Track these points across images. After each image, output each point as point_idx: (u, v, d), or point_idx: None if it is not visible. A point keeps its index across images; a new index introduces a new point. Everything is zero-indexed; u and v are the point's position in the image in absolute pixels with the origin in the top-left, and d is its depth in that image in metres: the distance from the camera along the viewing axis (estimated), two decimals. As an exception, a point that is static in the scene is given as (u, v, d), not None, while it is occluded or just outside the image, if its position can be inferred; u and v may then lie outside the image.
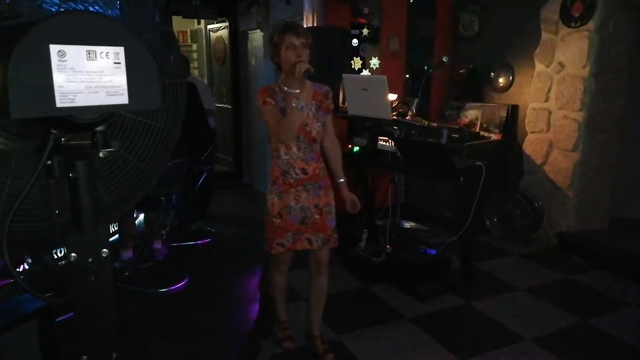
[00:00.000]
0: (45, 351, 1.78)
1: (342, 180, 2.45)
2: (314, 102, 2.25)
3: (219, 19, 6.58)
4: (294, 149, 2.25)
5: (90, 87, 0.92)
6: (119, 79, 0.96)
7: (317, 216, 2.33)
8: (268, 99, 2.20)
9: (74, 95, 0.90)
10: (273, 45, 2.21)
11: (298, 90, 2.18)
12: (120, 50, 0.96)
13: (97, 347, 1.10)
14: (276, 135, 2.21)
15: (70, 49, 0.90)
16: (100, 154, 1.00)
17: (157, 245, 3.88)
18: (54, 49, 0.87)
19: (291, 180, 2.28)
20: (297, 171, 2.27)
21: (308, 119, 2.23)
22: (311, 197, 2.31)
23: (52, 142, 0.96)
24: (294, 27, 2.18)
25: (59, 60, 0.88)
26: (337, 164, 2.45)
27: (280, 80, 2.27)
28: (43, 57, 0.86)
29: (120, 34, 0.97)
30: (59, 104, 0.88)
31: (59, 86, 0.88)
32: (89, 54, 0.92)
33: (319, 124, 2.29)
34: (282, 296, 2.64)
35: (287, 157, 2.26)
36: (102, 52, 0.94)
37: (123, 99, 0.97)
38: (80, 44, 0.91)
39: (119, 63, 0.96)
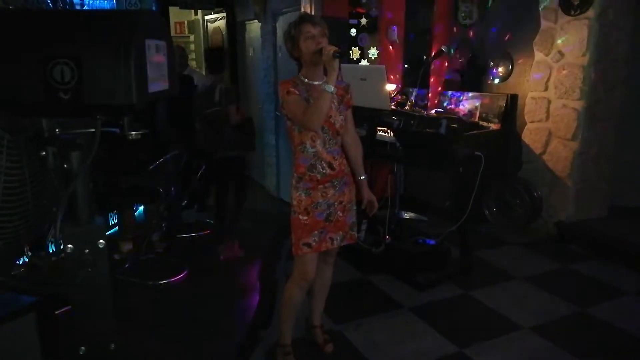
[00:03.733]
0: (45, 343, 1.78)
1: (363, 177, 2.41)
2: (336, 95, 2.20)
3: (216, 9, 6.54)
4: (320, 141, 2.20)
5: (157, 75, 1.02)
6: (165, 69, 1.06)
7: (340, 213, 2.29)
8: (292, 89, 2.14)
9: (151, 82, 0.99)
10: (291, 39, 2.16)
11: (318, 82, 2.15)
12: (165, 44, 1.06)
13: (95, 338, 1.10)
14: (305, 122, 2.12)
15: (150, 43, 1.00)
16: (131, 137, 1.04)
17: (156, 237, 3.88)
18: (147, 43, 0.97)
19: (319, 177, 2.22)
20: (324, 165, 2.21)
21: (331, 111, 2.18)
22: (337, 194, 2.27)
23: (100, 126, 0.98)
24: (309, 17, 2.16)
25: (147, 53, 0.98)
26: (358, 160, 2.41)
27: (301, 74, 2.23)
28: (143, 51, 0.97)
29: (163, 29, 1.07)
30: (150, 90, 0.98)
31: (148, 75, 0.97)
32: (157, 47, 1.02)
33: (341, 117, 2.25)
34: (294, 315, 2.45)
35: (314, 149, 2.20)
36: (159, 46, 1.03)
37: (166, 85, 1.07)
38: (151, 38, 1.00)
39: (165, 55, 1.06)
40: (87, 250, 1.05)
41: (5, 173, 0.92)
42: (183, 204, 4.61)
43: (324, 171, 2.22)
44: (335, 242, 2.30)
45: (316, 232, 2.24)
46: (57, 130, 1.01)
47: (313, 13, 4.41)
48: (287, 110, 2.18)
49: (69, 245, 1.04)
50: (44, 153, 1.01)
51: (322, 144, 2.20)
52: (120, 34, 0.89)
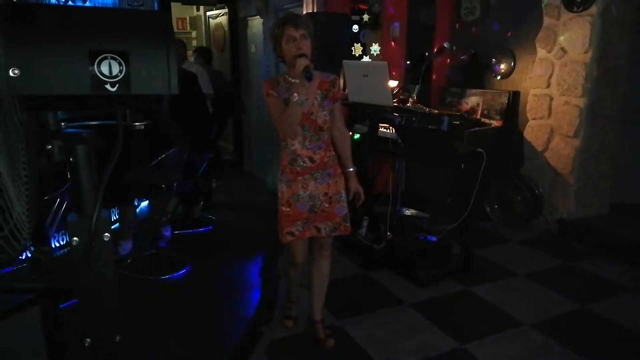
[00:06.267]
0: (49, 336, 1.79)
1: (350, 169, 2.45)
2: (319, 91, 2.26)
3: (219, 5, 6.53)
4: (300, 139, 2.26)
5: None
6: None
7: (327, 204, 2.34)
8: (271, 91, 2.23)
9: None
10: (274, 39, 2.22)
11: (299, 80, 2.18)
12: None
13: (100, 330, 1.11)
14: (278, 128, 2.24)
15: None
16: (135, 128, 1.06)
17: (167, 232, 3.89)
18: None
19: (298, 169, 2.29)
20: (305, 159, 2.28)
21: (313, 107, 2.24)
22: (319, 185, 2.32)
23: (120, 116, 1.03)
24: (292, 20, 2.18)
25: None
26: (345, 153, 2.45)
27: (286, 72, 2.28)
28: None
29: None
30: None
31: None
32: None
33: (325, 112, 2.29)
34: (295, 282, 2.71)
35: (294, 147, 2.27)
36: None
37: None
38: None
39: None
40: (92, 243, 1.06)
41: (24, 167, 0.95)
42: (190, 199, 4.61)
43: (304, 164, 2.29)
44: (323, 231, 2.36)
45: (299, 222, 2.33)
46: (62, 123, 1.02)
47: (315, 9, 4.40)
48: (268, 110, 2.29)
49: (75, 238, 1.05)
50: (49, 147, 1.02)
51: (302, 141, 2.27)
52: (161, 32, 0.98)
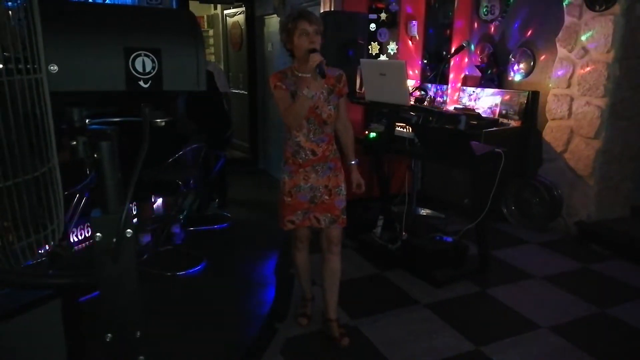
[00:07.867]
0: (69, 329, 1.82)
1: (353, 162, 2.52)
2: (325, 86, 2.32)
3: (236, 3, 6.56)
4: (305, 131, 2.34)
5: None
6: None
7: (327, 197, 2.41)
8: (278, 84, 2.29)
9: None
10: (287, 32, 2.26)
11: (307, 75, 2.22)
12: None
13: (121, 326, 1.12)
14: (284, 120, 2.32)
15: None
16: (156, 124, 1.07)
17: (176, 229, 3.93)
18: None
19: (300, 161, 2.37)
20: (307, 152, 2.36)
21: (319, 102, 2.31)
22: (320, 178, 2.39)
23: (148, 114, 1.05)
24: (307, 15, 2.24)
25: None
26: (348, 147, 2.52)
27: (294, 66, 2.34)
28: None
29: None
30: None
31: None
32: None
33: (330, 107, 2.35)
34: (304, 275, 2.72)
35: (298, 139, 2.35)
36: None
37: None
38: None
39: None
40: (115, 239, 1.07)
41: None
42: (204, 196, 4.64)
43: (306, 157, 2.36)
44: (322, 222, 2.43)
45: (299, 212, 2.41)
46: (87, 120, 1.03)
47: (332, 7, 4.40)
48: (275, 102, 2.36)
49: (98, 234, 1.06)
50: (74, 143, 1.03)
51: (307, 134, 2.34)
52: (191, 30, 1.01)
